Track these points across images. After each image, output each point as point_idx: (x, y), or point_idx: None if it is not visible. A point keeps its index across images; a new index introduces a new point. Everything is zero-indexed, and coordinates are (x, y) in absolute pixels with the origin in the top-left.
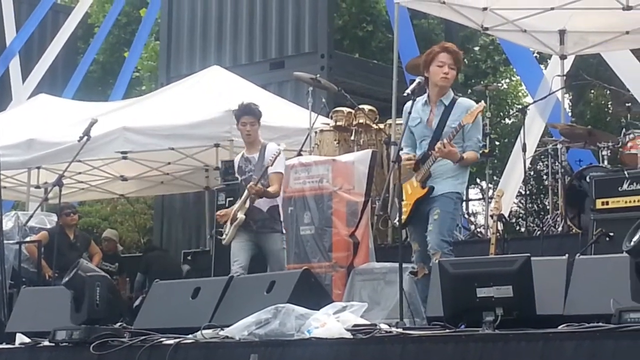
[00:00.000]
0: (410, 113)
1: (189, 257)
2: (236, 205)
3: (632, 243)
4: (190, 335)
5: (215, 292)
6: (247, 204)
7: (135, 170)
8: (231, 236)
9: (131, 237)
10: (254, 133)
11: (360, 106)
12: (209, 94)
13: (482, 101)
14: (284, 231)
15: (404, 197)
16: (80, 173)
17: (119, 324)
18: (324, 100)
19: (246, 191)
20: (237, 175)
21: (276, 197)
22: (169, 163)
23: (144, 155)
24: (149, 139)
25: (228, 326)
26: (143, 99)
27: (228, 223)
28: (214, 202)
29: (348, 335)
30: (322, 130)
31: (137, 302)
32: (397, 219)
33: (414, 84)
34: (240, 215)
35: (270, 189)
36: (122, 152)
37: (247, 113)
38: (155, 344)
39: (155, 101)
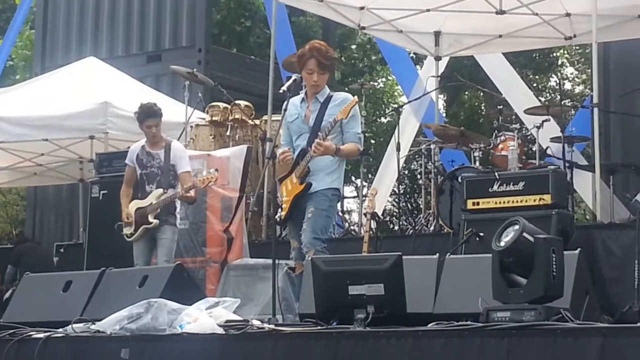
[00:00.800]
0: (286, 110)
1: (61, 250)
2: (143, 202)
3: (503, 243)
4: (60, 329)
5: (87, 286)
6: (160, 210)
7: (8, 161)
8: (138, 237)
9: (2, 228)
10: (159, 133)
11: (237, 101)
12: (84, 85)
13: (355, 96)
14: (178, 226)
15: (283, 194)
16: None
17: None
18: (200, 94)
19: (158, 194)
20: (131, 163)
21: None
22: (43, 154)
23: (17, 146)
24: (22, 129)
25: (99, 320)
26: (16, 87)
27: (133, 218)
28: (87, 195)
29: (220, 330)
30: (197, 125)
31: (7, 295)
32: (276, 215)
33: (290, 81)
34: (154, 220)
35: (192, 194)
36: None
37: (151, 116)
38: (24, 337)
39: (29, 91)
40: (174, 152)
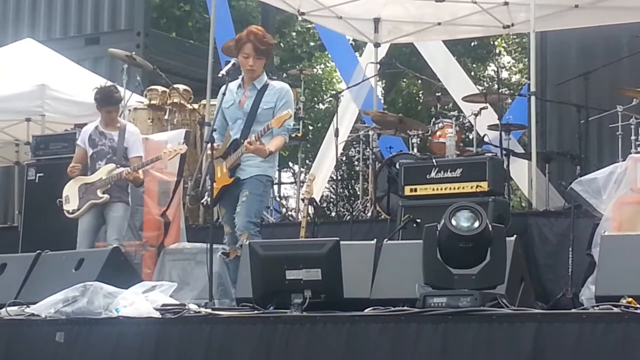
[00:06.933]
0: (224, 94)
1: None
2: (91, 178)
3: (463, 228)
4: None
5: (22, 269)
6: (110, 186)
7: None
8: (83, 212)
9: None
10: (117, 118)
11: (175, 86)
12: (21, 67)
13: (289, 109)
14: (130, 203)
15: (215, 178)
16: None
17: None
18: (138, 78)
19: (109, 169)
20: (82, 144)
21: None
22: None
23: None
24: None
25: (34, 303)
26: None
27: (76, 194)
28: (23, 177)
29: (157, 314)
30: (136, 109)
31: None
32: (207, 198)
33: (229, 66)
34: (104, 195)
35: (140, 176)
36: None
37: (112, 103)
38: None
39: None
40: (129, 135)
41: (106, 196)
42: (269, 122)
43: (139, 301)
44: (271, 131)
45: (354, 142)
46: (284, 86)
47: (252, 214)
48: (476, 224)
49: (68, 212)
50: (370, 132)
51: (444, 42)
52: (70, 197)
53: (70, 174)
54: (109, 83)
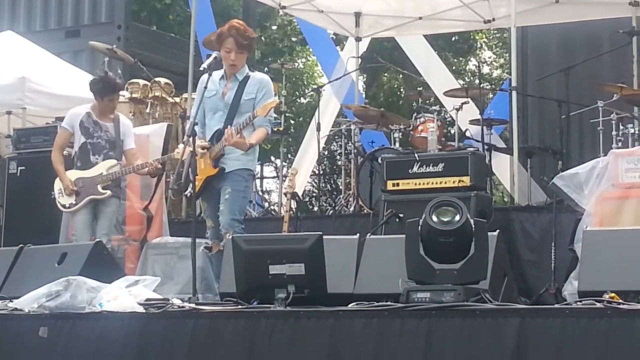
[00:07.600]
0: (206, 87)
1: None
2: (89, 173)
3: (444, 223)
4: None
5: (5, 263)
6: (111, 182)
7: None
8: (80, 207)
9: None
10: (116, 105)
11: (157, 79)
12: (1, 60)
13: (276, 98)
14: (122, 200)
15: (196, 171)
16: None
17: None
18: (119, 71)
19: (110, 164)
20: (70, 128)
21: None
22: None
23: None
24: None
25: (17, 298)
26: None
27: (74, 191)
28: (4, 171)
29: (140, 309)
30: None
31: None
32: (189, 191)
33: (210, 59)
34: (106, 191)
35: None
36: None
37: (116, 91)
38: None
39: None
40: (123, 127)
41: (108, 192)
42: (250, 112)
43: (123, 296)
44: (252, 123)
45: (336, 137)
46: (264, 77)
47: (236, 211)
48: (456, 219)
49: (64, 206)
50: (352, 127)
51: (425, 36)
52: (65, 190)
53: (67, 188)
54: (101, 73)
